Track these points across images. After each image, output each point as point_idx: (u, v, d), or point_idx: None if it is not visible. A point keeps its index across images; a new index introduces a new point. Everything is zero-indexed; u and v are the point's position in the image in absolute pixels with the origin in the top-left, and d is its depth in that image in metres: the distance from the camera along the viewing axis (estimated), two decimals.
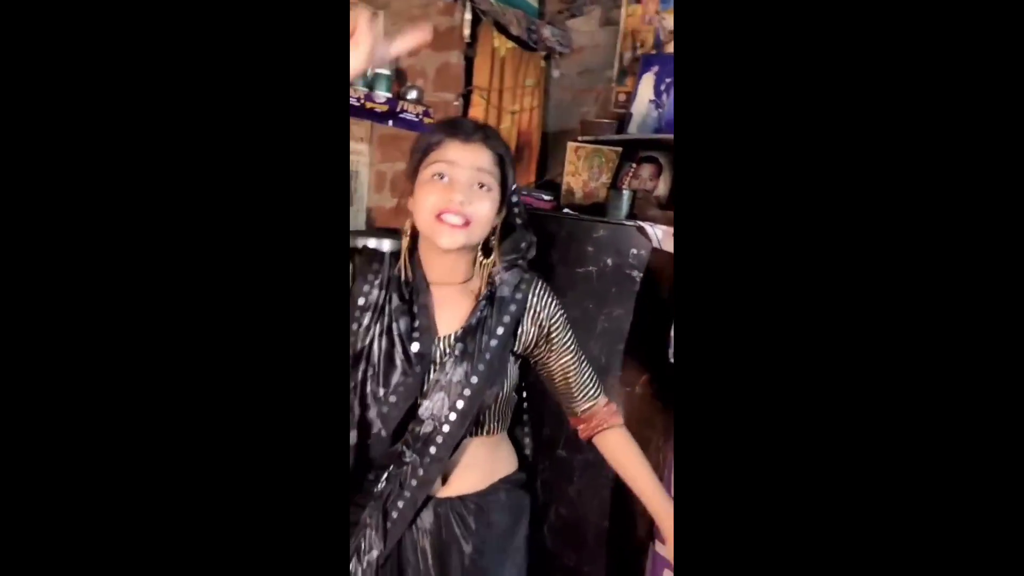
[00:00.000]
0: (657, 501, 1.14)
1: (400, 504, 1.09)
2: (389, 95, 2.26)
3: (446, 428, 1.08)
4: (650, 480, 1.16)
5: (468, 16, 2.33)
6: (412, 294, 1.10)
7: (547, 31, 2.62)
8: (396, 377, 1.07)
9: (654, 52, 2.48)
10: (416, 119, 2.32)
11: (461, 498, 1.14)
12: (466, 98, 2.42)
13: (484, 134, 1.08)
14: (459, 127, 1.07)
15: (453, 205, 1.02)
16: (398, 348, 1.07)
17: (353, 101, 2.14)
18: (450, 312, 1.11)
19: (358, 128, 2.53)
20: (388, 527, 1.09)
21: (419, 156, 1.08)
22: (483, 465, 1.17)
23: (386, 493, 1.10)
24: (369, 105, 2.19)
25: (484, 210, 1.05)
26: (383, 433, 1.08)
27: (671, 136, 2.24)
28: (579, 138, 2.42)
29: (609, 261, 1.82)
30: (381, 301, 1.09)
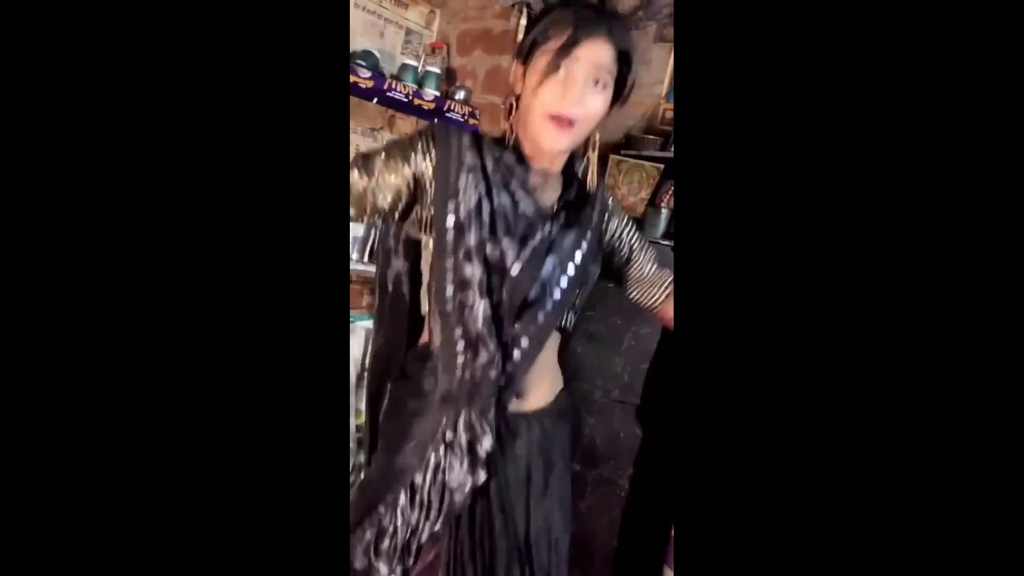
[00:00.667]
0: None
1: (501, 379, 1.02)
2: (437, 93, 2.26)
3: (557, 294, 1.04)
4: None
5: (523, 22, 2.33)
6: (514, 171, 1.04)
7: None
8: (520, 234, 1.01)
9: None
10: (462, 119, 2.32)
11: (536, 414, 1.10)
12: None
13: (609, 28, 0.97)
14: (584, 19, 0.96)
15: (566, 108, 0.97)
16: (514, 211, 1.01)
17: (401, 96, 2.15)
18: (541, 191, 1.07)
19: (404, 123, 2.54)
20: (489, 409, 1.01)
21: (539, 35, 0.99)
22: (551, 374, 1.15)
23: (487, 364, 1.00)
24: (417, 102, 2.19)
25: (594, 110, 1.00)
26: (508, 295, 1.01)
27: None
28: (622, 152, 2.40)
29: None
30: (476, 163, 1.01)
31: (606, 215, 1.16)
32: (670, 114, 2.54)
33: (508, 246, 1.00)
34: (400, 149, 1.02)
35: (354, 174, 1.01)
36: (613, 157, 2.31)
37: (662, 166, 2.25)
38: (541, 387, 1.12)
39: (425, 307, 1.11)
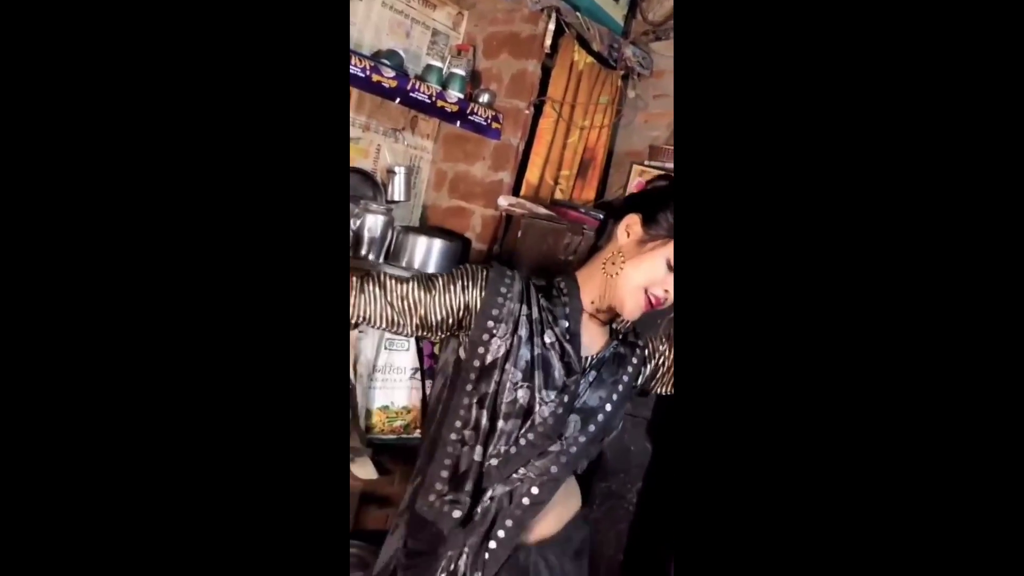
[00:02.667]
0: None
1: (509, 523, 1.08)
2: (461, 96, 2.25)
3: (573, 450, 1.11)
4: None
5: (551, 27, 2.32)
6: (565, 317, 1.14)
7: (629, 50, 2.59)
8: (555, 388, 1.08)
9: None
10: (485, 123, 2.31)
11: (541, 544, 1.14)
12: (538, 108, 2.40)
13: None
14: None
15: (664, 295, 1.10)
16: (552, 359, 1.09)
17: (425, 97, 2.14)
18: (586, 338, 1.16)
19: (426, 124, 2.54)
20: (488, 554, 1.07)
21: (671, 229, 1.10)
22: (568, 503, 1.20)
23: (492, 512, 1.07)
24: (440, 103, 2.19)
25: (668, 305, 1.12)
26: (524, 440, 1.08)
27: None
28: (646, 162, 2.38)
29: None
30: (518, 314, 1.10)
31: (647, 365, 1.25)
32: None
33: (542, 391, 1.07)
34: (460, 277, 1.11)
35: (413, 285, 1.10)
36: (636, 167, 2.29)
37: None
38: (546, 517, 1.14)
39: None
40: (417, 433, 2.38)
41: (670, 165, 2.30)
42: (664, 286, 1.10)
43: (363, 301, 1.09)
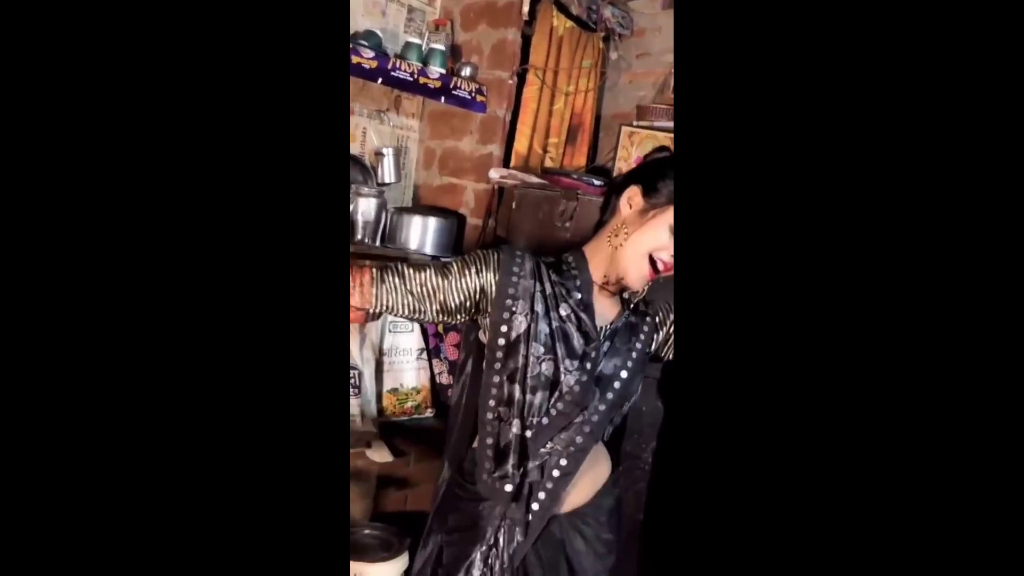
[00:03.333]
0: None
1: (542, 495, 1.14)
2: (443, 71, 2.23)
3: (595, 418, 1.15)
4: None
5: None
6: (577, 289, 1.17)
7: (608, 11, 2.56)
8: (576, 357, 1.13)
9: None
10: (469, 96, 2.29)
11: (573, 514, 1.20)
12: (521, 77, 2.38)
13: None
14: None
15: (670, 259, 1.13)
16: (571, 330, 1.14)
17: (407, 76, 2.12)
18: (599, 309, 1.19)
19: (409, 103, 2.51)
20: (530, 519, 1.14)
21: (671, 196, 1.13)
22: (597, 471, 1.24)
23: (529, 483, 1.13)
24: (423, 80, 2.16)
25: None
26: (555, 411, 1.13)
27: None
28: (634, 123, 2.36)
29: None
30: (533, 290, 1.14)
31: (659, 332, 1.27)
32: None
33: (565, 361, 1.12)
34: (474, 261, 1.15)
35: (430, 272, 1.14)
36: (625, 128, 2.28)
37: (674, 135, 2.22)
38: (576, 487, 1.19)
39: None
40: (428, 412, 2.39)
41: (659, 124, 2.28)
42: (669, 251, 1.13)
43: (384, 291, 1.12)
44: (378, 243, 2.18)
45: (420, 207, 2.53)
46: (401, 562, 1.99)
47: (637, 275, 1.16)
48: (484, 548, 1.15)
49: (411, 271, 1.14)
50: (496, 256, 1.16)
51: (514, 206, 2.08)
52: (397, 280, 1.13)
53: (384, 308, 1.14)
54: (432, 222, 2.27)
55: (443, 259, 1.18)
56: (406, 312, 1.14)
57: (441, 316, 1.17)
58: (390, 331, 2.31)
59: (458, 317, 1.18)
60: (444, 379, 2.40)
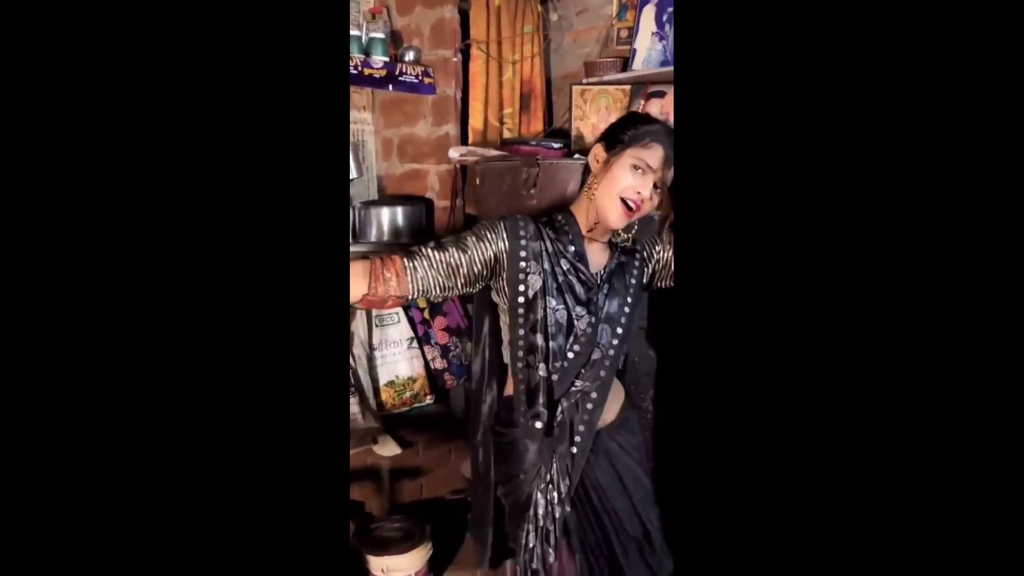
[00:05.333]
0: None
1: (582, 428, 1.33)
2: (386, 59, 2.21)
3: (611, 352, 1.33)
4: None
5: None
6: (571, 242, 1.31)
7: None
8: (583, 303, 1.29)
9: None
10: (417, 80, 2.27)
11: (608, 428, 1.41)
12: (465, 52, 2.37)
13: (672, 141, 1.27)
14: (667, 136, 1.26)
15: (638, 196, 1.26)
16: (573, 280, 1.29)
17: (351, 69, 2.10)
18: (592, 258, 1.34)
19: (359, 96, 2.49)
20: (574, 454, 1.32)
21: (628, 140, 1.27)
22: (618, 392, 1.46)
23: (567, 423, 1.31)
24: (367, 71, 2.15)
25: (649, 207, 1.30)
26: (572, 353, 1.29)
27: None
28: (584, 80, 2.36)
29: None
30: (540, 250, 1.27)
31: (648, 266, 1.43)
32: (624, 34, 2.48)
33: (575, 308, 1.28)
34: (485, 233, 1.26)
35: (452, 250, 1.23)
36: (576, 88, 2.27)
37: (628, 87, 2.22)
38: (607, 411, 1.40)
39: (506, 358, 1.39)
40: (428, 400, 2.40)
41: (608, 78, 2.28)
42: (635, 189, 1.26)
43: (418, 277, 1.21)
44: (350, 239, 2.17)
45: (386, 198, 2.52)
46: (425, 549, 2.01)
47: (614, 216, 1.28)
48: (543, 485, 1.31)
49: (435, 253, 1.23)
50: (503, 225, 1.27)
51: (478, 182, 2.07)
52: (425, 263, 1.22)
53: (419, 292, 1.23)
54: (400, 211, 2.27)
55: (455, 235, 1.26)
56: (437, 291, 1.24)
57: (466, 288, 1.28)
58: (377, 325, 2.31)
59: (478, 285, 1.30)
60: (438, 364, 2.41)
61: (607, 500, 1.38)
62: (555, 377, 1.29)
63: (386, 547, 1.97)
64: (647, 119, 1.34)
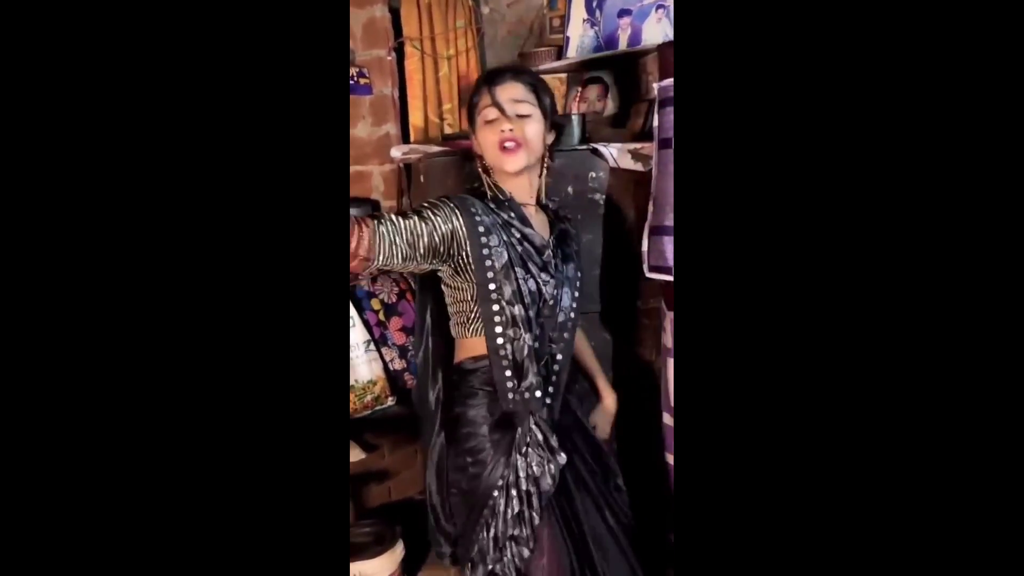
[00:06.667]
0: (601, 379, 1.58)
1: (551, 391, 1.34)
2: None
3: (572, 315, 1.38)
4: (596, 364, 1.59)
5: None
6: (510, 209, 1.32)
7: None
8: (544, 269, 1.32)
9: None
10: (353, 82, 2.26)
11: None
12: (399, 51, 2.36)
13: (512, 72, 1.31)
14: (492, 75, 1.30)
15: (505, 134, 1.26)
16: (529, 248, 1.30)
17: None
18: (535, 225, 1.35)
19: None
20: (557, 418, 1.34)
21: (470, 109, 1.32)
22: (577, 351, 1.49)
23: (546, 385, 1.32)
24: None
25: (532, 131, 1.28)
26: (543, 319, 1.32)
27: (611, 52, 2.20)
28: None
29: (570, 189, 1.80)
30: (491, 221, 1.27)
31: (575, 237, 1.46)
32: (557, 22, 2.50)
33: (540, 275, 1.30)
34: (438, 208, 1.23)
35: (415, 219, 1.21)
36: None
37: (564, 75, 2.23)
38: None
39: (454, 332, 1.37)
40: (390, 401, 2.39)
41: (544, 67, 2.29)
42: (498, 128, 1.27)
43: (384, 241, 1.18)
44: None
45: None
46: (397, 551, 2.00)
47: (502, 161, 1.28)
48: (524, 448, 1.27)
49: (399, 219, 1.20)
50: (452, 203, 1.25)
51: (422, 180, 2.07)
52: (391, 227, 1.19)
53: (383, 257, 1.19)
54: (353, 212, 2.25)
55: (413, 207, 1.26)
56: (400, 259, 1.20)
57: (428, 259, 1.24)
58: None
59: (434, 263, 1.27)
60: (397, 365, 2.39)
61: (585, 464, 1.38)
62: (536, 345, 1.29)
63: (358, 552, 1.95)
64: (477, 80, 1.36)
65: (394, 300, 2.44)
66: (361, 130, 2.39)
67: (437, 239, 1.22)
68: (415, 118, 2.38)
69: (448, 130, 2.47)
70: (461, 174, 1.92)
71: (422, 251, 1.22)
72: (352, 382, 2.31)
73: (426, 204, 1.25)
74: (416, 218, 1.21)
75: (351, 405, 2.30)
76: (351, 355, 2.32)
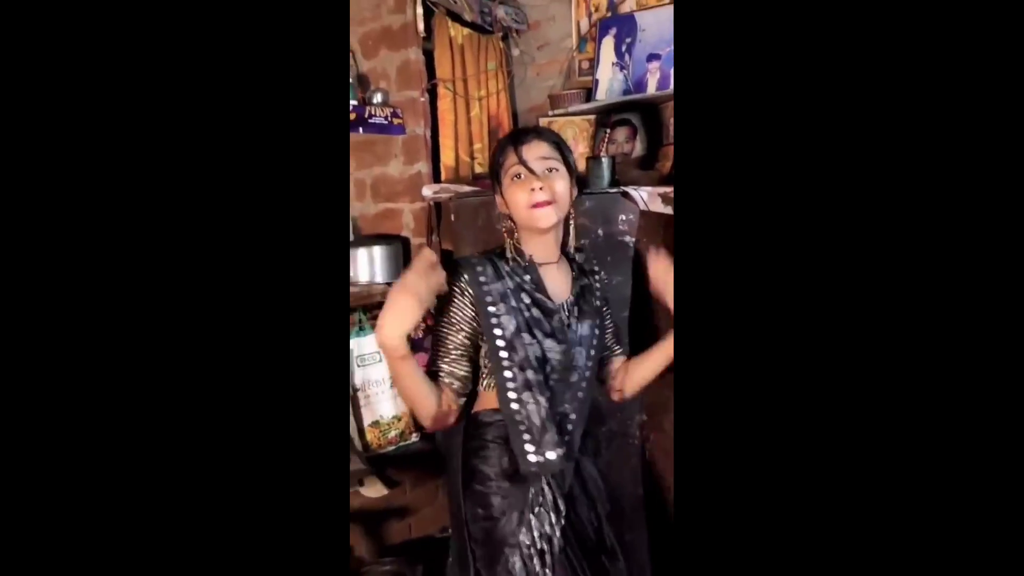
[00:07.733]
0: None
1: (565, 452, 1.29)
2: (355, 102, 2.24)
3: (587, 374, 1.35)
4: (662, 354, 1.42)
5: (420, 10, 2.31)
6: (526, 273, 1.32)
7: (501, 11, 2.59)
8: (550, 335, 1.30)
9: (609, 15, 2.46)
10: (386, 122, 2.30)
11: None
12: (432, 92, 2.40)
13: (536, 132, 1.33)
14: (517, 135, 1.31)
15: (536, 192, 1.26)
16: (538, 315, 1.30)
17: None
18: (553, 285, 1.35)
19: None
20: (560, 478, 1.29)
21: (496, 169, 1.33)
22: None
23: (560, 446, 1.28)
24: None
25: (561, 187, 1.28)
26: (553, 382, 1.29)
27: (640, 96, 2.23)
28: (549, 113, 2.40)
29: (600, 231, 1.81)
30: (503, 288, 1.28)
31: (601, 287, 1.45)
32: (585, 65, 2.54)
33: (545, 342, 1.29)
34: (455, 292, 1.27)
35: (451, 331, 1.27)
36: (542, 120, 2.31)
37: (592, 117, 2.26)
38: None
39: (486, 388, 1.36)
40: (414, 438, 2.39)
41: (573, 109, 2.33)
42: (527, 187, 1.26)
43: (458, 384, 1.27)
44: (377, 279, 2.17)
45: (362, 238, 2.53)
46: None
47: (534, 221, 1.28)
48: (537, 508, 1.27)
49: (445, 346, 1.28)
50: (464, 277, 1.28)
51: (452, 218, 2.09)
52: (449, 360, 1.27)
53: (468, 388, 1.29)
54: (377, 251, 2.28)
55: (439, 317, 1.31)
56: (472, 367, 1.30)
57: (480, 342, 1.30)
58: (358, 366, 2.31)
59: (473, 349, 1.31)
60: None
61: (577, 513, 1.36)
62: (550, 407, 1.28)
63: None
64: (500, 141, 1.37)
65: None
66: (393, 168, 2.43)
67: (469, 329, 1.28)
68: (446, 158, 2.42)
69: (478, 169, 2.51)
70: (491, 213, 1.94)
71: (468, 343, 1.28)
72: (377, 418, 2.31)
73: (448, 297, 1.28)
74: (448, 328, 1.28)
75: (376, 441, 2.31)
76: (375, 391, 2.33)
